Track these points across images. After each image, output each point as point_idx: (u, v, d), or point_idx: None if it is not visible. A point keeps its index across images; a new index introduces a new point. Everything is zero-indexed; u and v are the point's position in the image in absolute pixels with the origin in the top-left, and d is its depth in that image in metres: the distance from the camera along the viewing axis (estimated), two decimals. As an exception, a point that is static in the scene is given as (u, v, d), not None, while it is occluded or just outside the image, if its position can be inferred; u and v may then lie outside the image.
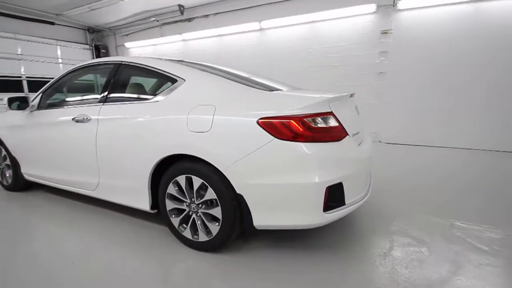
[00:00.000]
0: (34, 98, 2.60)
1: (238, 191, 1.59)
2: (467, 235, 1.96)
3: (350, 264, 1.67)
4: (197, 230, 1.80)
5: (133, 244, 1.95)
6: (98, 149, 2.08)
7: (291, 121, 1.48)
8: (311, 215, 1.53)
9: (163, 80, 1.99)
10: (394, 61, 5.14)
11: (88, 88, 3.06)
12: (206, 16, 6.97)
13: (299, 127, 1.47)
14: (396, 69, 5.15)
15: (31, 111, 2.59)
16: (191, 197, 1.78)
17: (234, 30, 6.60)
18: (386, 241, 1.90)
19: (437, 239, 1.92)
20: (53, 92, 2.65)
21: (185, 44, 7.54)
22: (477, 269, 1.59)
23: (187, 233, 1.84)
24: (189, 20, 7.22)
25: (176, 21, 7.37)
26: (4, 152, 2.92)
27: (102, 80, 2.52)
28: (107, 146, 2.05)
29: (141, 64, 2.04)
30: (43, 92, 2.60)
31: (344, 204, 1.59)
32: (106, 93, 2.14)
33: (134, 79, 2.23)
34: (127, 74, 2.17)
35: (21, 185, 2.93)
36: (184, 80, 1.85)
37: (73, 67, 2.47)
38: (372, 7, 5.07)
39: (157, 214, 1.99)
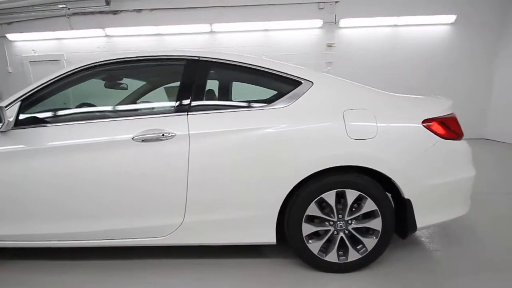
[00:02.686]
0: (6, 108, 1.57)
1: (406, 196, 1.53)
2: None
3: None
4: (346, 250, 1.60)
5: None
6: (191, 176, 1.48)
7: (451, 121, 1.57)
8: (465, 205, 1.67)
9: (278, 83, 1.63)
10: (338, 70, 5.96)
11: (107, 94, 2.03)
12: (139, 10, 5.97)
13: (456, 126, 1.59)
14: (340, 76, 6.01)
15: (3, 131, 1.54)
16: (339, 214, 1.57)
17: (179, 30, 5.94)
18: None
19: None
20: (45, 100, 1.67)
21: (109, 41, 6.17)
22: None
23: (331, 257, 1.60)
24: (114, 12, 5.98)
25: (94, 12, 5.94)
26: None
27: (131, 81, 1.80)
28: (207, 171, 1.49)
29: (242, 63, 1.59)
30: (25, 99, 1.61)
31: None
32: (188, 99, 1.56)
33: (229, 81, 1.70)
34: (214, 74, 1.64)
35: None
36: (312, 82, 1.60)
37: (92, 62, 1.65)
38: (319, 22, 5.73)
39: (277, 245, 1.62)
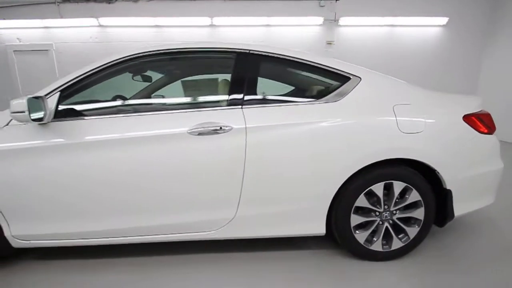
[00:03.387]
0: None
1: (448, 187, 1.63)
2: None
3: None
4: (390, 239, 1.68)
5: (316, 282, 1.57)
6: (247, 169, 1.48)
7: (486, 116, 1.69)
8: (494, 194, 1.81)
9: (328, 78, 1.66)
10: (336, 67, 6.08)
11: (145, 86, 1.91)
12: (135, 0, 5.74)
13: (490, 121, 1.70)
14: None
15: (43, 123, 1.45)
16: (385, 205, 1.64)
17: (178, 23, 5.78)
18: None
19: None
20: (86, 91, 1.58)
21: (102, 31, 5.89)
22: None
23: (376, 246, 1.68)
24: (109, 1, 5.71)
25: (87, 0, 5.64)
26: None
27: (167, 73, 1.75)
28: (263, 164, 1.50)
29: (293, 58, 1.61)
30: (64, 90, 1.52)
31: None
32: (241, 92, 1.55)
33: (278, 74, 1.70)
34: (263, 67, 1.63)
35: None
36: (360, 78, 1.65)
37: (136, 52, 1.58)
38: (320, 19, 5.81)
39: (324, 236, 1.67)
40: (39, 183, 1.48)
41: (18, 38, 5.94)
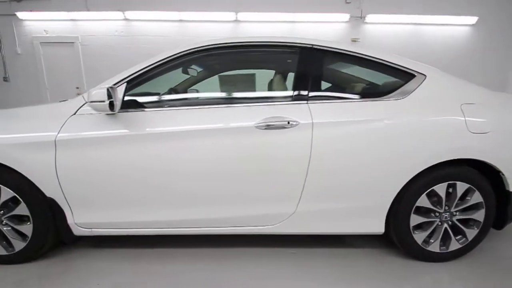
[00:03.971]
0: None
1: (510, 189, 1.59)
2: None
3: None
4: (448, 240, 1.66)
5: (369, 279, 1.55)
6: (311, 165, 1.48)
7: None
8: None
9: (393, 75, 1.63)
10: (360, 65, 6.01)
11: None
12: (161, -6, 5.76)
13: None
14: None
15: (112, 113, 1.47)
16: (446, 206, 1.61)
17: (202, 18, 5.78)
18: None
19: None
20: (152, 82, 1.59)
21: (127, 25, 5.93)
22: None
23: (433, 247, 1.66)
24: (135, -5, 5.74)
25: (113, -7, 5.68)
26: (8, 194, 1.50)
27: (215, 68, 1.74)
28: (328, 161, 1.49)
29: (358, 53, 1.58)
30: (131, 81, 1.53)
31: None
32: (306, 87, 1.53)
33: (341, 70, 1.68)
34: (327, 62, 1.62)
35: (39, 248, 1.61)
36: (425, 75, 1.62)
37: (202, 44, 1.57)
38: (346, 16, 5.73)
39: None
40: (104, 172, 1.50)
41: (45, 30, 6.03)
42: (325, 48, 1.61)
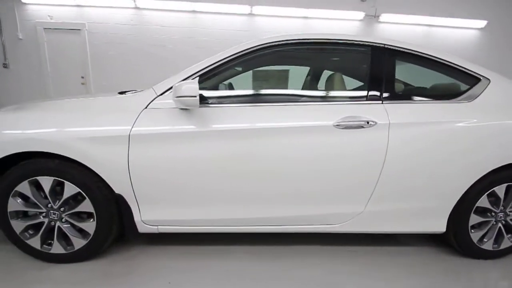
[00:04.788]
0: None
1: None
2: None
3: None
4: (500, 239, 1.72)
5: (423, 276, 1.60)
6: (386, 166, 1.49)
7: None
8: None
9: (459, 78, 1.65)
10: (371, 64, 6.07)
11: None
12: (174, -17, 5.58)
13: None
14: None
15: (188, 108, 1.42)
16: (502, 206, 1.67)
17: (216, 9, 5.66)
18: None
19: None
20: (223, 77, 1.55)
21: (137, 14, 5.74)
22: None
23: (487, 245, 1.72)
24: (147, -17, 5.54)
25: (124, -20, 5.47)
26: (72, 190, 1.43)
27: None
28: (401, 161, 1.50)
29: (427, 55, 1.59)
30: (202, 75, 1.48)
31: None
32: (380, 87, 1.54)
33: (411, 71, 1.68)
34: (398, 62, 1.61)
35: (100, 246, 1.56)
36: (489, 79, 1.65)
37: (270, 40, 1.54)
38: (361, 14, 5.75)
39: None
40: (175, 168, 1.46)
41: (49, 16, 5.75)
42: (396, 48, 1.61)
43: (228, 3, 5.59)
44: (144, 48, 5.89)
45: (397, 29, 5.94)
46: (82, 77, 6.06)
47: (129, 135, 1.41)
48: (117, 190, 1.46)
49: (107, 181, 1.44)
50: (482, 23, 5.86)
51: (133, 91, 2.06)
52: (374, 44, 1.60)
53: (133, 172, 1.43)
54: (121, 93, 1.89)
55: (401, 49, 1.61)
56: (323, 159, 1.48)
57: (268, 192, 1.52)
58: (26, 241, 1.51)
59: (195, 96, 1.27)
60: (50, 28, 5.81)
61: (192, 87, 1.27)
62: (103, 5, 5.62)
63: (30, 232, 1.53)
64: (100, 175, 1.42)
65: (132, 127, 1.41)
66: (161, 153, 1.43)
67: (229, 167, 1.46)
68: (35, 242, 1.52)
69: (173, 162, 1.44)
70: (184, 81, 1.31)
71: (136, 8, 5.68)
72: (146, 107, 1.46)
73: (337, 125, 1.46)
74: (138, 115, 1.43)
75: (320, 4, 5.70)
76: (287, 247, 1.80)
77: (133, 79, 6.04)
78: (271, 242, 1.84)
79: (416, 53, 1.62)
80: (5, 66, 5.92)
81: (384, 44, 1.60)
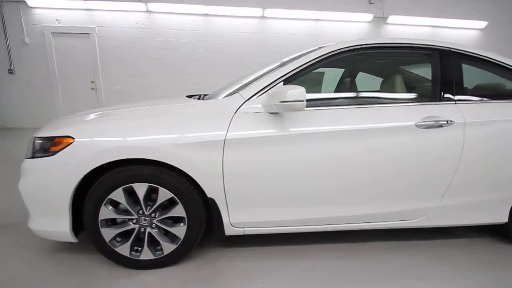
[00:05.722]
0: (263, 89, 1.49)
1: None
2: None
3: None
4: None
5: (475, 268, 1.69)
6: (461, 162, 1.57)
7: None
8: None
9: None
10: (379, 65, 6.25)
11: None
12: (185, -14, 5.58)
13: None
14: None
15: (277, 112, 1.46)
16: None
17: (229, 12, 5.69)
18: None
19: None
20: (305, 81, 1.58)
21: (149, 17, 5.70)
22: None
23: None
24: (158, -14, 5.51)
25: (135, -17, 5.42)
26: (165, 196, 1.44)
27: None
28: (475, 157, 1.58)
29: (490, 59, 1.70)
30: (286, 80, 1.52)
31: None
32: (453, 89, 1.62)
33: (476, 73, 1.77)
34: (464, 65, 1.71)
35: (189, 250, 1.57)
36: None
37: (345, 45, 1.59)
38: (370, 16, 5.91)
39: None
40: (263, 171, 1.48)
41: (57, 20, 5.64)
42: (462, 52, 1.70)
43: (241, 6, 5.64)
44: (155, 52, 5.86)
45: (404, 30, 6.15)
46: (92, 82, 5.97)
47: (224, 140, 1.43)
48: (209, 194, 1.48)
49: (201, 185, 1.45)
50: (482, 24, 6.14)
51: (199, 95, 2.08)
52: (443, 48, 1.68)
53: (226, 176, 1.45)
54: (188, 96, 1.90)
55: (466, 53, 1.70)
56: (405, 158, 1.55)
57: (352, 191, 1.57)
58: (115, 249, 1.51)
59: (303, 101, 1.31)
60: (58, 33, 5.71)
61: (300, 92, 1.30)
62: (114, 9, 5.55)
63: (118, 239, 1.52)
64: (196, 180, 1.43)
65: (227, 132, 1.44)
66: (252, 156, 1.46)
67: (317, 168, 1.50)
68: (123, 249, 1.51)
69: (263, 165, 1.47)
70: (286, 86, 1.34)
71: (148, 11, 5.65)
72: (235, 112, 1.49)
73: (419, 125, 1.53)
74: (231, 120, 1.46)
75: (330, 6, 5.83)
76: (359, 244, 1.86)
77: (145, 83, 5.99)
78: (341, 239, 1.89)
79: (480, 56, 1.72)
80: (10, 71, 5.75)
81: (451, 48, 1.69)
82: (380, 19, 6.04)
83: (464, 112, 1.59)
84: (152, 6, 5.52)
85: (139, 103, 1.89)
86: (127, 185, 1.42)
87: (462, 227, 2.07)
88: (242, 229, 1.58)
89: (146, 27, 5.74)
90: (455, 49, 1.70)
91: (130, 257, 1.52)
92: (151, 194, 1.48)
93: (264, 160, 1.48)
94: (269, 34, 5.95)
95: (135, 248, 1.54)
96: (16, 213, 2.19)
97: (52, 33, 5.67)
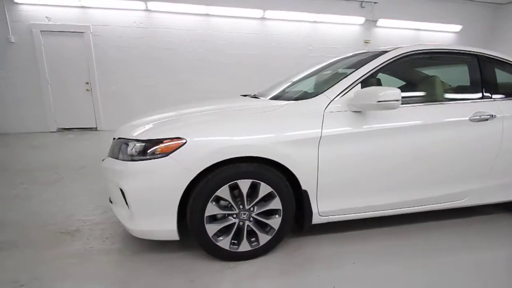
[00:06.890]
0: (345, 89, 1.67)
1: None
2: None
3: None
4: None
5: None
6: (501, 148, 1.88)
7: None
8: None
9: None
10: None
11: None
12: (186, -14, 5.53)
13: None
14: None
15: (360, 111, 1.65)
16: None
17: (229, 13, 5.73)
18: None
19: None
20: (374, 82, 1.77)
21: (147, 16, 5.55)
22: None
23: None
24: (158, -15, 5.40)
25: (134, -19, 5.26)
26: (266, 190, 1.55)
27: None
28: (510, 144, 1.92)
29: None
30: (363, 82, 1.70)
31: None
32: (491, 88, 1.94)
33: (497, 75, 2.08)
34: (496, 68, 2.02)
35: (280, 240, 1.69)
36: None
37: (402, 51, 1.81)
38: (362, 19, 6.31)
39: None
40: (349, 164, 1.65)
41: (47, 17, 5.28)
42: (491, 56, 2.02)
43: (242, 7, 5.72)
44: (154, 52, 5.73)
45: (391, 33, 6.65)
46: (87, 83, 5.68)
47: (320, 137, 1.58)
48: (304, 186, 1.62)
49: (299, 179, 1.58)
50: (458, 27, 6.84)
51: (250, 95, 2.19)
52: (478, 54, 1.99)
53: (320, 169, 1.60)
54: (247, 96, 2.02)
55: (495, 58, 2.02)
56: (460, 147, 1.82)
57: (420, 179, 1.80)
58: (217, 243, 1.59)
59: (398, 100, 1.50)
60: (48, 31, 5.35)
61: (396, 93, 1.49)
62: (111, 7, 5.34)
63: (218, 234, 1.60)
64: (295, 174, 1.56)
65: (322, 130, 1.58)
66: (341, 151, 1.62)
67: (394, 159, 1.71)
68: (224, 243, 1.60)
69: (349, 158, 1.64)
70: (381, 88, 1.52)
71: (147, 10, 5.51)
72: (324, 111, 1.64)
73: (472, 119, 1.81)
74: (323, 119, 1.61)
75: (326, 9, 6.13)
76: (409, 225, 2.11)
77: (143, 84, 5.83)
78: (389, 224, 2.12)
79: (506, 61, 2.05)
80: (-6, 72, 5.29)
81: (482, 53, 2.00)
82: (371, 22, 6.47)
83: (501, 108, 1.90)
84: (151, 5, 5.40)
85: (205, 103, 1.97)
86: (233, 182, 1.52)
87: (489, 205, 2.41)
88: (327, 217, 1.74)
89: (145, 26, 5.58)
90: (485, 53, 2.01)
91: (230, 250, 1.62)
92: (252, 190, 1.58)
93: (351, 154, 1.65)
94: (269, 35, 6.10)
95: (232, 241, 1.63)
96: (71, 222, 2.14)
97: (41, 31, 5.29)
